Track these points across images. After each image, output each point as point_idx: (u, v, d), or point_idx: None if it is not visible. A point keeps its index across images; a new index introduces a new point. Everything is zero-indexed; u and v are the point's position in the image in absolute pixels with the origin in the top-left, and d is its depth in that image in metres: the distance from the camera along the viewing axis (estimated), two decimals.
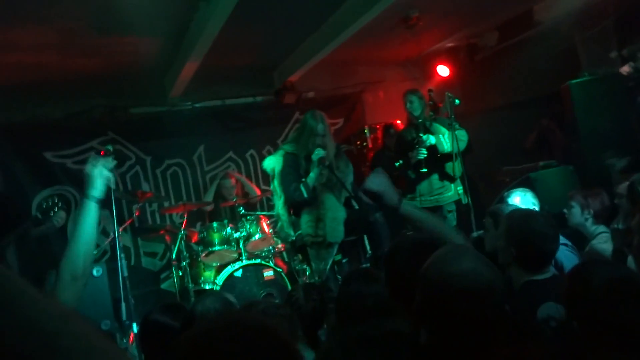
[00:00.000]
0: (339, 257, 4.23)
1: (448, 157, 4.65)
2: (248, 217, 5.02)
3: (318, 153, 3.77)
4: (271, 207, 5.79)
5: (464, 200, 4.69)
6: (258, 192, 5.85)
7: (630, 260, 2.27)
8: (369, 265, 4.03)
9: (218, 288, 4.63)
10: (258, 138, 6.54)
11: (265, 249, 5.01)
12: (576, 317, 1.57)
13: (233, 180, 5.70)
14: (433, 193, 4.81)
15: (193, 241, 5.18)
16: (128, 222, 5.45)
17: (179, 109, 6.14)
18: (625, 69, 4.80)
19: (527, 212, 2.45)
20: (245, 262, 4.75)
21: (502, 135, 5.94)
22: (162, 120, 6.06)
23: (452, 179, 4.75)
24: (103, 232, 5.74)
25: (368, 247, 4.13)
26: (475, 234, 3.56)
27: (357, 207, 4.03)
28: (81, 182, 5.88)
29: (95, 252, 5.25)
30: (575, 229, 3.24)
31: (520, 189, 3.40)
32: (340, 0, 4.62)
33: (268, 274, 4.75)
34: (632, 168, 3.78)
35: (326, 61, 5.84)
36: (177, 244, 4.96)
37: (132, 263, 5.80)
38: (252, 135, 6.55)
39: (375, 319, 1.60)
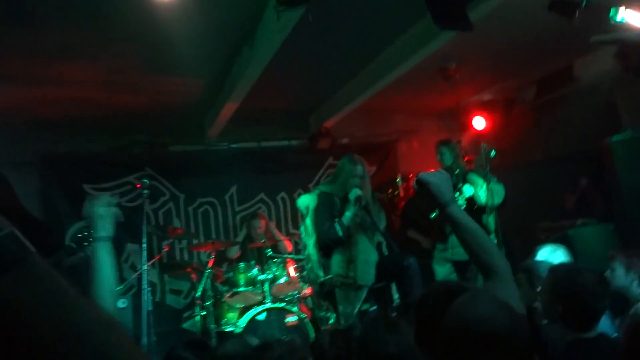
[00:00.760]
0: (366, 305, 4.12)
1: (483, 210, 4.56)
2: (275, 260, 4.98)
3: (355, 192, 3.77)
4: (299, 252, 5.76)
5: None
6: (285, 241, 5.79)
7: None
8: (395, 314, 3.91)
9: (240, 330, 4.55)
10: (290, 181, 6.59)
11: (290, 293, 4.93)
12: None
13: (263, 222, 5.71)
14: None
15: (219, 281, 5.16)
16: (157, 258, 5.50)
17: (216, 149, 6.29)
18: None
19: (575, 267, 2.34)
20: (269, 305, 4.68)
21: (538, 190, 5.80)
22: (198, 159, 6.21)
23: (487, 232, 4.64)
24: (132, 266, 5.81)
25: (395, 296, 4.02)
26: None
27: (387, 253, 3.97)
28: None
29: (119, 287, 5.31)
30: (617, 292, 3.07)
31: (552, 244, 3.27)
32: (380, 48, 4.73)
33: (291, 319, 4.66)
34: None
35: (362, 108, 5.92)
36: (203, 282, 4.94)
37: (157, 299, 5.80)
38: (284, 178, 6.61)
39: None
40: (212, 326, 4.81)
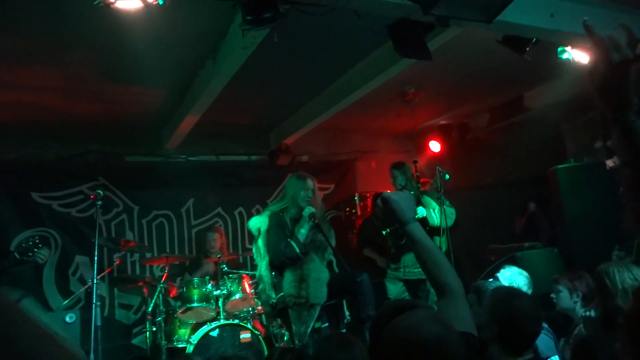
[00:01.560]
0: (318, 324, 4.14)
1: (436, 231, 4.69)
2: (230, 276, 4.94)
3: (309, 209, 3.81)
4: (254, 267, 5.73)
5: None
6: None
7: None
8: (345, 331, 3.95)
9: (192, 347, 4.47)
10: (248, 197, 6.57)
11: (244, 309, 4.89)
12: None
13: (218, 235, 5.66)
14: (418, 265, 4.79)
15: (171, 295, 5.06)
16: (107, 271, 5.33)
17: (173, 161, 6.21)
18: (609, 163, 5.00)
19: (513, 291, 2.44)
20: (222, 321, 4.63)
21: (488, 213, 6.04)
22: (155, 171, 6.10)
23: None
24: (80, 279, 5.62)
25: (347, 313, 4.07)
26: None
27: (337, 271, 4.01)
28: (64, 225, 5.79)
29: (65, 301, 5.11)
30: (562, 313, 3.23)
31: (513, 266, 3.41)
32: (342, 70, 4.85)
33: (245, 335, 4.62)
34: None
35: (322, 127, 6.02)
36: (155, 297, 4.83)
37: (105, 314, 5.61)
38: (242, 194, 6.59)
39: None
40: (163, 342, 4.70)
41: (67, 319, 3.98)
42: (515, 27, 3.53)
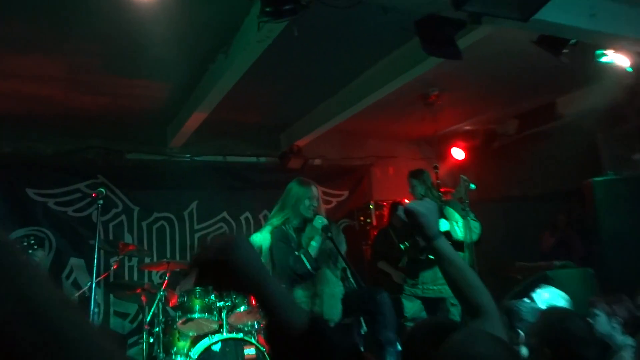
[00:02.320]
0: None
1: (458, 246, 4.61)
2: None
3: (321, 220, 3.65)
4: None
5: None
6: None
7: None
8: (365, 350, 3.88)
9: None
10: (256, 201, 6.54)
11: (249, 323, 4.83)
12: None
13: None
14: (437, 282, 4.73)
15: (171, 305, 5.02)
16: (103, 276, 5.31)
17: (177, 160, 6.22)
18: None
19: (567, 313, 2.39)
20: (225, 335, 4.58)
21: (514, 228, 5.96)
22: (157, 170, 6.10)
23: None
24: (74, 283, 5.60)
25: (364, 328, 3.98)
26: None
27: (352, 281, 3.92)
28: (60, 225, 5.74)
29: None
30: (599, 339, 3.16)
31: (545, 285, 3.33)
32: (362, 68, 4.81)
33: (249, 351, 4.55)
34: None
35: (338, 129, 5.99)
36: (153, 306, 4.80)
37: (99, 322, 5.60)
38: (249, 198, 6.56)
39: None
40: (161, 355, 4.66)
41: None
42: (553, 27, 3.48)
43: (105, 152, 5.91)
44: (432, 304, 4.88)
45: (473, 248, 4.65)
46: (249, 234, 4.25)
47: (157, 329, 4.74)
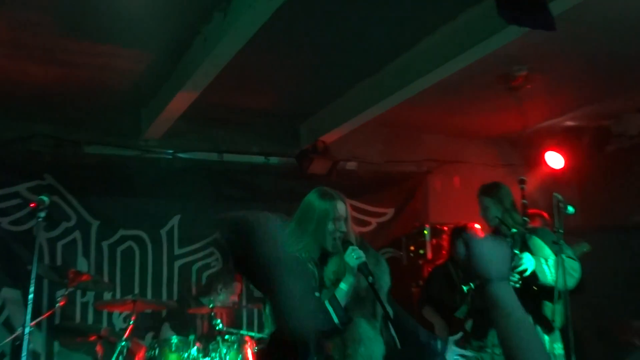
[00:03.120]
0: None
1: (548, 293, 4.59)
2: (226, 337, 4.98)
3: (358, 256, 3.57)
4: (262, 325, 5.74)
5: None
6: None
7: None
8: None
9: None
10: None
11: None
12: None
13: (239, 287, 5.70)
14: None
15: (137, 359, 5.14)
16: (46, 315, 5.43)
17: (154, 157, 6.33)
18: None
19: None
20: None
21: (634, 269, 5.89)
22: (126, 170, 6.21)
23: (549, 328, 4.66)
24: (6, 323, 5.71)
25: None
26: None
27: (394, 334, 3.91)
28: None
29: None
30: None
31: None
32: (414, 39, 4.81)
33: None
34: None
35: (379, 121, 6.02)
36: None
37: None
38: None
39: None
40: None
41: None
42: None
43: (56, 142, 6.03)
44: None
45: (569, 297, 4.62)
46: None
47: None
